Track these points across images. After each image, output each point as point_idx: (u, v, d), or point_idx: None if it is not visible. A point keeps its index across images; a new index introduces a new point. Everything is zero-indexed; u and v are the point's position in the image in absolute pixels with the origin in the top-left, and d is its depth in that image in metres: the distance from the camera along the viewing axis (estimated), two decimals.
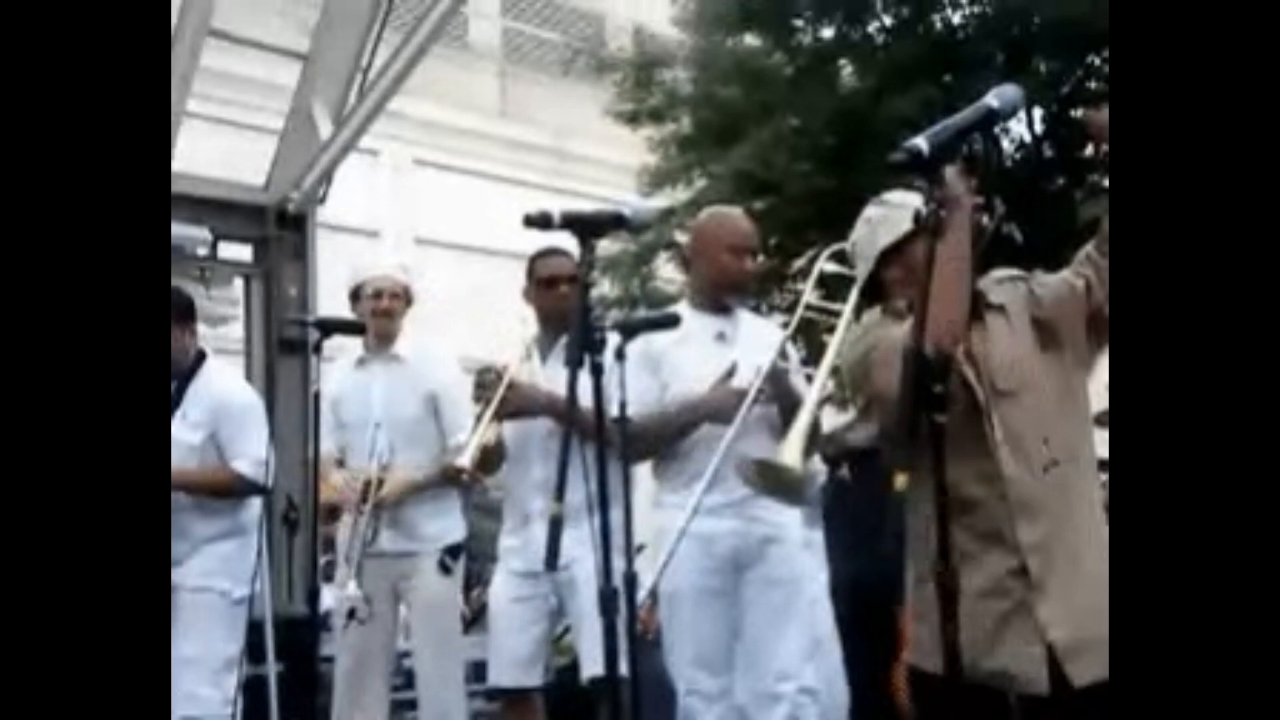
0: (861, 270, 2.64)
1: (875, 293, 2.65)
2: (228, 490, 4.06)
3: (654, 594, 3.38)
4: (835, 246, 3.73)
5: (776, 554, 3.50)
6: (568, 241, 2.51)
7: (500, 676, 3.93)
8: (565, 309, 3.85)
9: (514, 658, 3.90)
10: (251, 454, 4.09)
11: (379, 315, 4.39)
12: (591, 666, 3.66)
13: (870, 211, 2.64)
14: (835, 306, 3.76)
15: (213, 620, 4.00)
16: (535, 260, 4.06)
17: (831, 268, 3.65)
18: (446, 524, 4.39)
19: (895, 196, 2.59)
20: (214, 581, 4.04)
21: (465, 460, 3.67)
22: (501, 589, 3.91)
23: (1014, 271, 2.64)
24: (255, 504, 4.18)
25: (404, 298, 4.41)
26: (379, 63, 6.62)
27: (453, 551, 4.28)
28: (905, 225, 2.45)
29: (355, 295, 4.64)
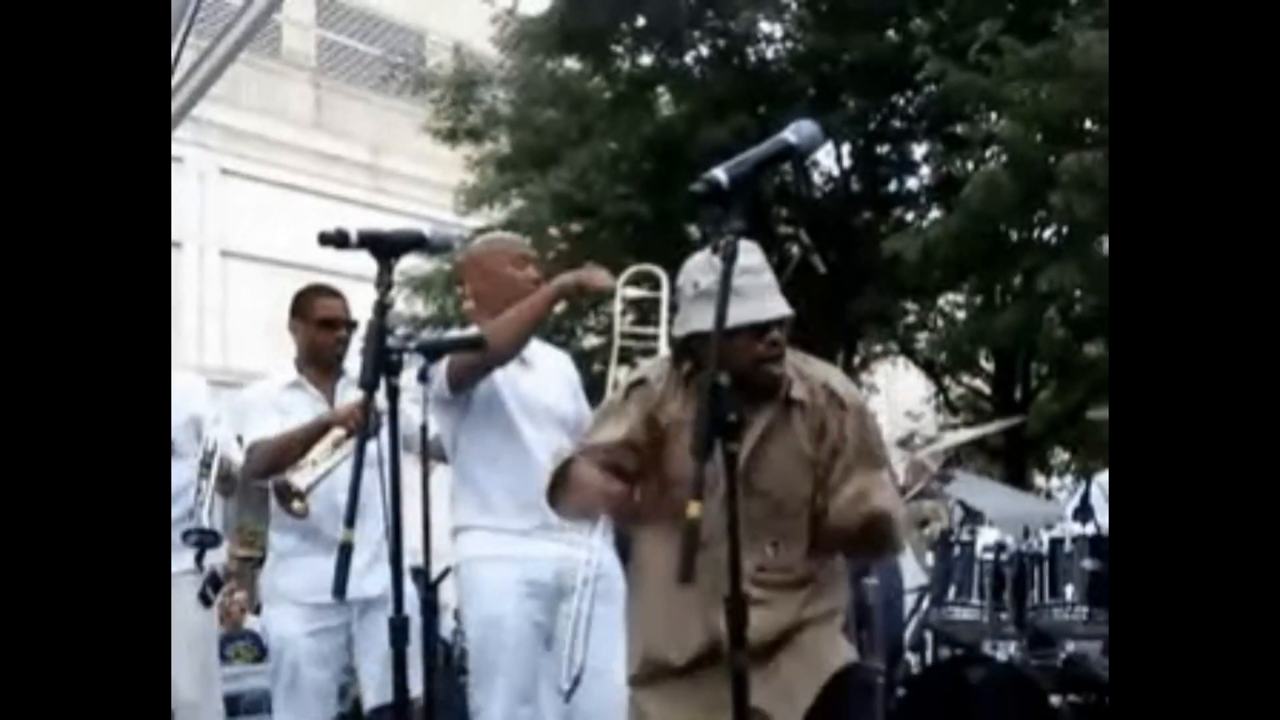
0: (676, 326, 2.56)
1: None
2: None
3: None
4: (634, 269, 3.73)
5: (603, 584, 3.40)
6: (366, 261, 2.42)
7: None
8: (339, 351, 3.76)
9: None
10: None
11: None
12: (373, 697, 3.58)
13: (693, 277, 2.51)
14: (649, 331, 3.76)
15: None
16: (311, 297, 3.89)
17: (634, 293, 3.65)
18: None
19: (701, 269, 2.48)
20: None
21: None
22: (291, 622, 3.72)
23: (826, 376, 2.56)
24: None
25: None
26: (183, 68, 6.39)
27: (215, 579, 3.98)
28: (695, 324, 2.42)
29: None
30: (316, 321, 3.80)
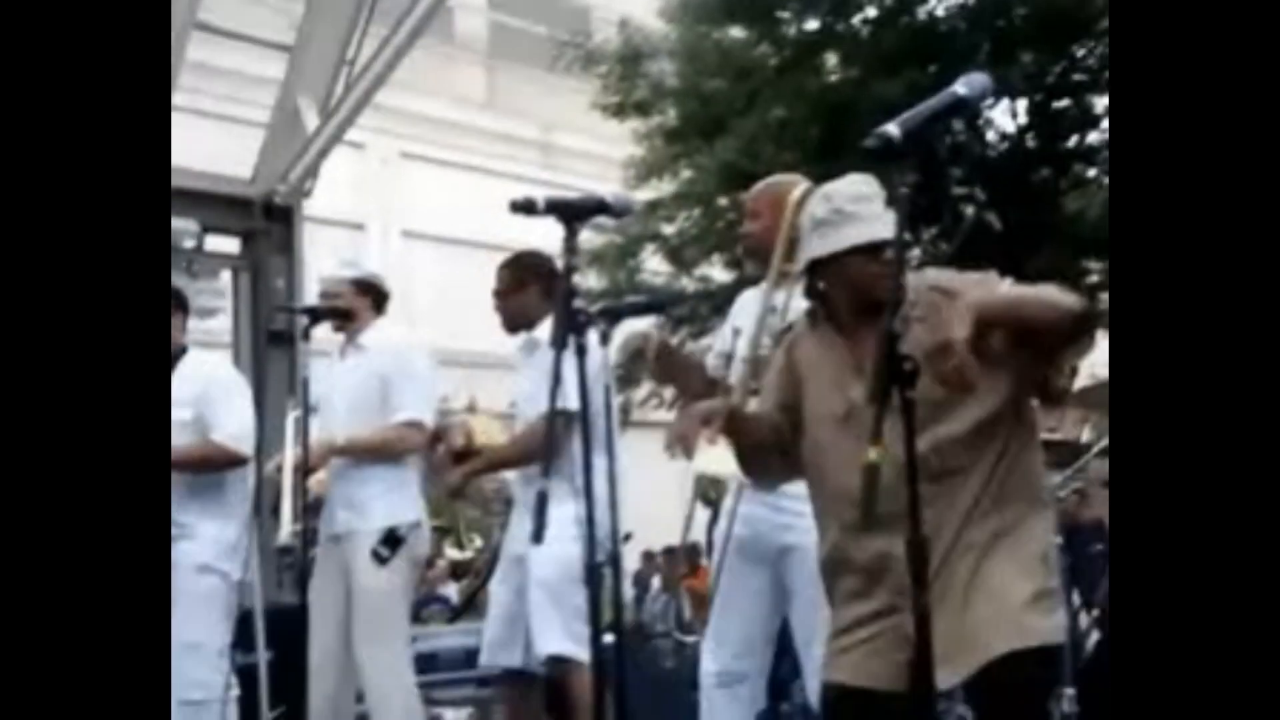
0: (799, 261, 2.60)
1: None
2: (208, 463, 4.06)
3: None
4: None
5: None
6: (552, 227, 2.54)
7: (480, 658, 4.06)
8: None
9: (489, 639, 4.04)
10: (230, 426, 4.10)
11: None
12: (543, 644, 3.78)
13: (810, 211, 2.56)
14: None
15: (213, 604, 4.04)
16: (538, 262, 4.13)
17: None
18: (390, 503, 4.18)
19: (840, 193, 2.51)
20: (216, 563, 4.06)
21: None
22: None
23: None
24: (244, 486, 4.19)
25: (349, 295, 4.31)
26: (365, 55, 6.63)
27: (390, 539, 4.12)
28: (837, 243, 2.46)
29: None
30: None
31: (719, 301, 4.04)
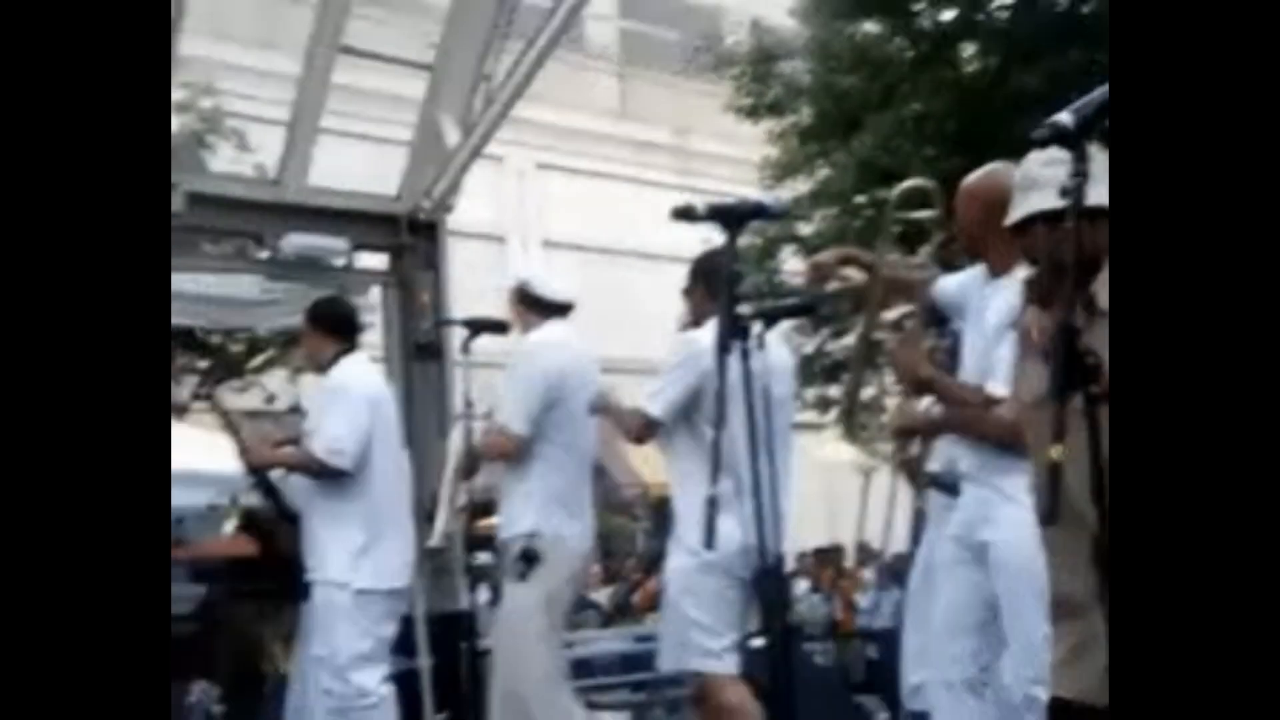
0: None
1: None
2: (305, 470, 4.15)
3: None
4: (906, 186, 3.59)
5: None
6: (694, 233, 2.55)
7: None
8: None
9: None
10: (325, 435, 4.13)
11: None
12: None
13: (1018, 172, 2.48)
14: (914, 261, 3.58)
15: (333, 615, 4.07)
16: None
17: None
18: (513, 513, 4.09)
19: (1034, 157, 2.43)
20: (329, 575, 4.08)
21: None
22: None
23: None
24: (366, 497, 4.19)
25: (514, 301, 4.34)
26: (501, 70, 6.75)
27: (526, 555, 3.97)
28: (1025, 208, 2.39)
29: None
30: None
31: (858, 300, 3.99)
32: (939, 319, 3.36)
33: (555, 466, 4.10)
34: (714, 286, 3.87)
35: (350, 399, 4.21)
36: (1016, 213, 2.43)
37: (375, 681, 4.10)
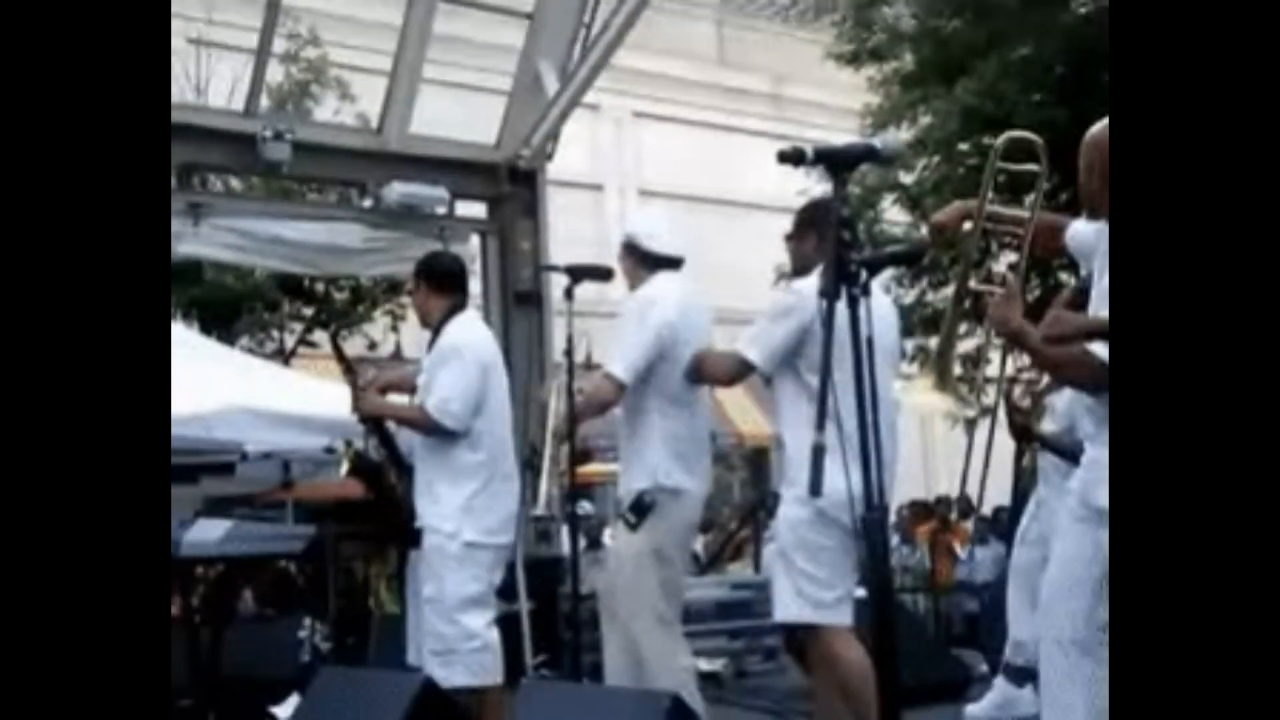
0: None
1: None
2: (415, 426, 4.25)
3: None
4: (1008, 136, 3.45)
5: None
6: (791, 181, 2.52)
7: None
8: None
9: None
10: (436, 394, 4.17)
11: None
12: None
13: None
14: (1020, 214, 3.49)
15: (443, 562, 4.17)
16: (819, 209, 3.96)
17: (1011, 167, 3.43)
18: (631, 466, 4.06)
19: None
20: (440, 524, 4.20)
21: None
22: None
23: None
24: (474, 452, 4.28)
25: (623, 254, 4.34)
26: (600, 18, 6.72)
27: (638, 506, 3.92)
28: None
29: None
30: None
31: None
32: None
33: (671, 419, 4.10)
34: (822, 233, 3.82)
35: (464, 361, 4.28)
36: None
37: (482, 625, 4.19)
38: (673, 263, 4.23)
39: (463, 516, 4.19)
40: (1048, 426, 5.05)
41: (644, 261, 4.27)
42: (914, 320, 11.02)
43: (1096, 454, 2.93)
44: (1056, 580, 3.05)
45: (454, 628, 4.14)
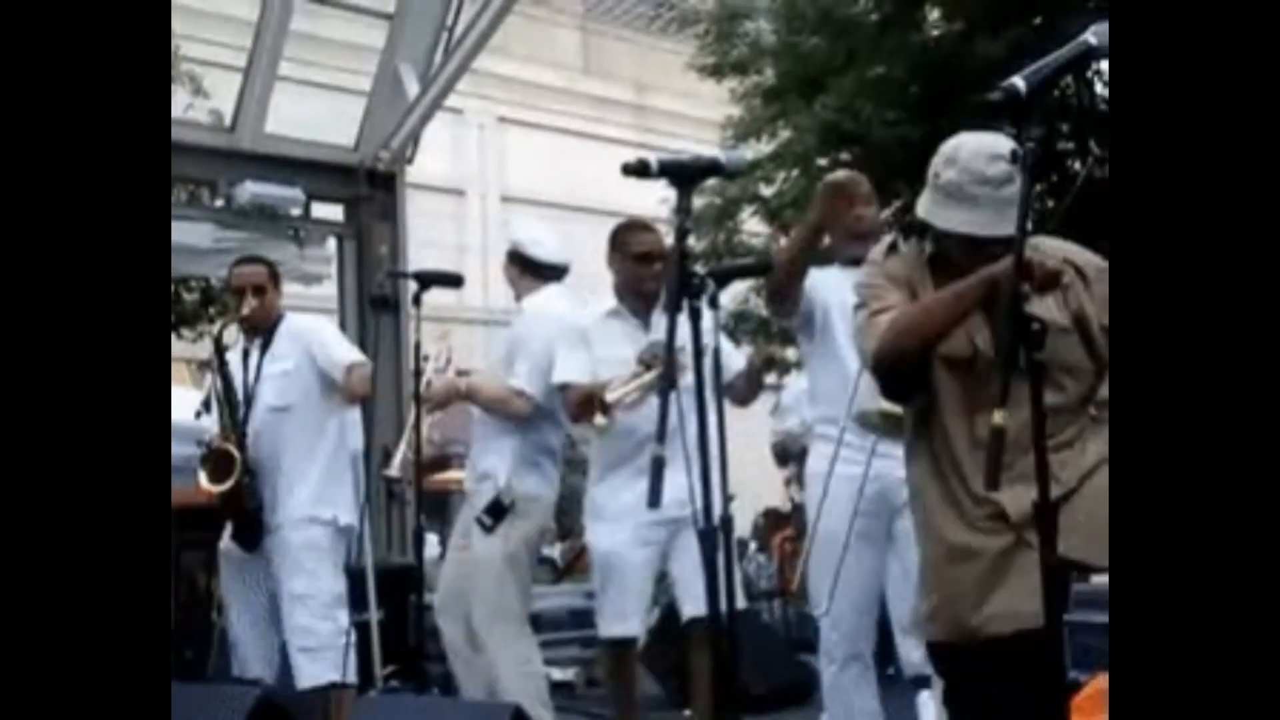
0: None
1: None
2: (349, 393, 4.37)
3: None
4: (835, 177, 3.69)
5: None
6: (650, 189, 2.53)
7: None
8: (655, 286, 3.84)
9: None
10: (344, 357, 4.36)
11: None
12: (690, 608, 3.73)
13: (936, 167, 2.51)
14: None
15: (317, 556, 4.15)
16: (626, 234, 3.98)
17: None
18: (490, 465, 4.15)
19: (966, 166, 2.45)
20: (318, 511, 4.19)
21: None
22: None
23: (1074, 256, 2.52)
24: (341, 435, 4.30)
25: (508, 263, 4.34)
26: (463, 21, 6.67)
27: (495, 509, 4.04)
28: (945, 221, 2.45)
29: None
30: (634, 256, 3.93)
31: (819, 262, 3.97)
32: None
33: (531, 425, 4.13)
34: (622, 253, 3.95)
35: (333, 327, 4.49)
36: (936, 219, 2.47)
37: (346, 621, 4.22)
38: (557, 271, 4.27)
39: (336, 500, 4.28)
40: (779, 426, 5.59)
41: (529, 269, 4.28)
42: (772, 331, 11.20)
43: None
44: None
45: (329, 624, 4.17)
